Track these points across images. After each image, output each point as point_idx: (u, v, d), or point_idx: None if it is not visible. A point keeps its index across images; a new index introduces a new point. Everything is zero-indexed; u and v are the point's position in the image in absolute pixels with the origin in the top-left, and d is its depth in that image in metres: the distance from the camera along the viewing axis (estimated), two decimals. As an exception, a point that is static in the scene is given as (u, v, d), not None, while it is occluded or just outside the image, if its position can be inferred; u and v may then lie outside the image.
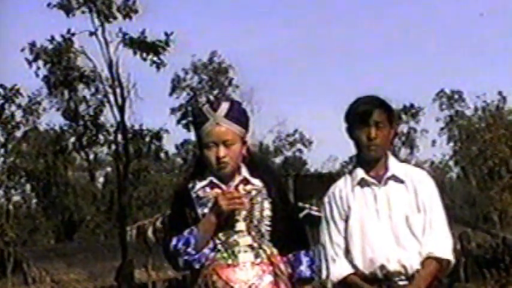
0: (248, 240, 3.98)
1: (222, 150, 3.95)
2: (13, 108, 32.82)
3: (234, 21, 66.63)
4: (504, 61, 61.15)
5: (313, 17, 67.17)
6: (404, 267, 4.05)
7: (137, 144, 26.71)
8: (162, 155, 28.47)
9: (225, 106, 4.00)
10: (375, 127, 4.10)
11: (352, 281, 4.09)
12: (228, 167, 3.98)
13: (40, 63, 24.95)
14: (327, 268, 4.14)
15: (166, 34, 24.91)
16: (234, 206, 3.93)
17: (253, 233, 3.99)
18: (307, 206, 28.08)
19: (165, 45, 24.73)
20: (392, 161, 4.21)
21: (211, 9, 65.01)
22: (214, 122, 3.96)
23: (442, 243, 4.08)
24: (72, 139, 27.82)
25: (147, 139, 26.90)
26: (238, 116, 4.03)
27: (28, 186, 42.71)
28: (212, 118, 3.97)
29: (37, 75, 25.25)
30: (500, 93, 36.54)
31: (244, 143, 4.05)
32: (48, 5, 24.43)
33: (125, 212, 26.19)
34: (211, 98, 37.71)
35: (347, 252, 4.13)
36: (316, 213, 19.66)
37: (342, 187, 4.22)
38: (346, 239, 4.15)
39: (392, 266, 4.05)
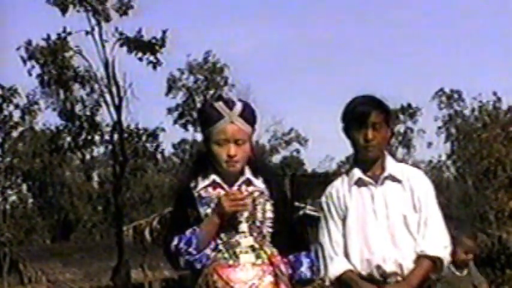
0: (250, 241, 3.98)
1: (234, 149, 3.96)
2: (11, 108, 32.80)
3: (230, 21, 66.65)
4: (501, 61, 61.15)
5: (310, 16, 67.18)
6: (400, 267, 4.06)
7: (134, 144, 26.67)
8: (159, 154, 28.39)
9: (239, 105, 4.02)
10: (372, 128, 4.10)
11: (349, 278, 4.10)
12: (237, 165, 3.98)
13: (34, 61, 24.92)
14: (325, 266, 4.15)
15: (163, 31, 24.94)
16: (236, 208, 3.92)
17: (255, 234, 3.99)
18: (303, 205, 28.05)
19: (162, 42, 24.74)
20: (389, 160, 4.21)
21: (205, 8, 65.03)
22: (229, 120, 3.97)
23: (435, 242, 4.08)
24: (68, 139, 27.75)
25: (144, 138, 26.86)
26: (250, 116, 4.04)
27: (24, 186, 42.67)
28: (227, 116, 3.98)
29: (30, 74, 25.24)
30: (495, 93, 36.46)
31: (251, 143, 4.07)
32: (47, 0, 24.41)
33: (122, 211, 26.14)
34: (208, 97, 37.67)
35: (345, 252, 4.14)
36: (313, 213, 19.65)
37: (339, 187, 4.23)
38: (343, 238, 4.16)
39: (389, 267, 4.06)
